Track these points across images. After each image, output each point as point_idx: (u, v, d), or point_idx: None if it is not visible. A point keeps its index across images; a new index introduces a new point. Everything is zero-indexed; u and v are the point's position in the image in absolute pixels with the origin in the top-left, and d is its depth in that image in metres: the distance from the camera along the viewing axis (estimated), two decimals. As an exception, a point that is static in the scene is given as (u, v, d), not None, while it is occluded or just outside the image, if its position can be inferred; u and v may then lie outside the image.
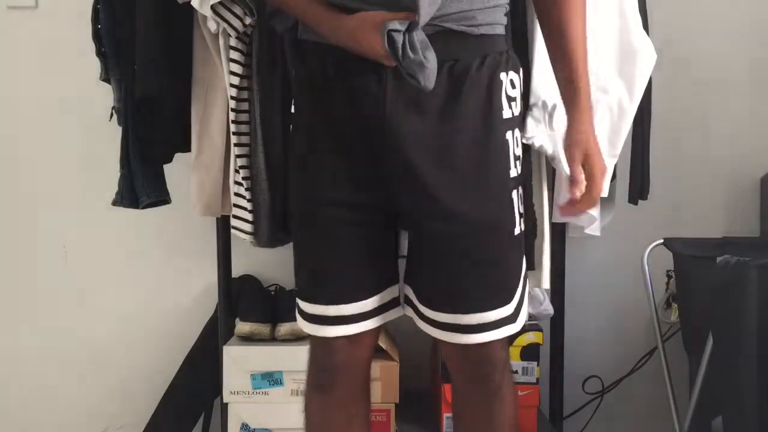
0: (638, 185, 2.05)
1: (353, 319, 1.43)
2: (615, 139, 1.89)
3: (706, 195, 2.40)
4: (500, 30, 1.40)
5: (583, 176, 1.40)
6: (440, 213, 1.35)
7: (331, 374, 1.49)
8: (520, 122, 1.45)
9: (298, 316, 1.49)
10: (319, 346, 1.48)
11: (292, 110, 1.54)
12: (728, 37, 2.36)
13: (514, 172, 1.41)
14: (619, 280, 2.36)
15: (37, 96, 2.39)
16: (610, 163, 1.91)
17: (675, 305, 2.11)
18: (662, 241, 2.05)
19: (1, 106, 2.41)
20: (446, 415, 2.07)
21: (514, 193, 1.41)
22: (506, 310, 1.40)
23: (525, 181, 1.53)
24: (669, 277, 2.12)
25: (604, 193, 1.91)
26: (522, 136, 1.49)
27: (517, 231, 1.41)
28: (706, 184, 2.40)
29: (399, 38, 1.24)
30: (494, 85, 1.36)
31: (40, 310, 2.45)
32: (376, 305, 1.44)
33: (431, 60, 1.26)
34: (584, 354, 2.36)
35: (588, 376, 2.38)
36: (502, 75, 1.38)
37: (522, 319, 1.45)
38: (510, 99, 1.39)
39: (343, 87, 1.36)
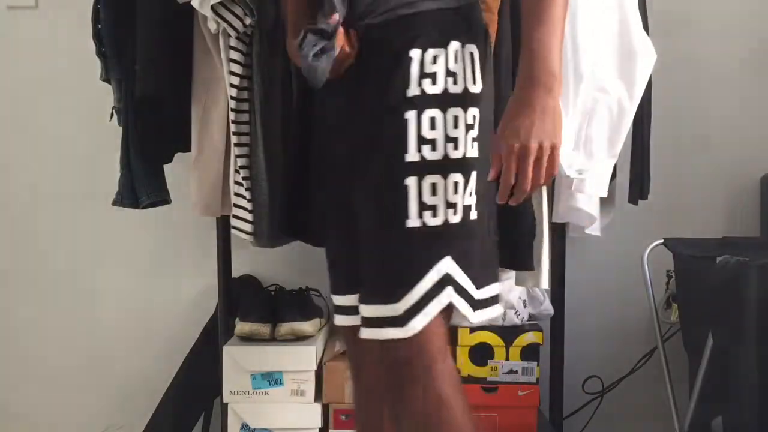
0: (638, 185, 2.05)
1: (349, 310, 1.43)
2: (615, 139, 1.89)
3: (706, 195, 2.40)
4: (426, 6, 1.31)
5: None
6: (334, 197, 1.42)
7: (352, 361, 1.55)
8: (444, 101, 1.29)
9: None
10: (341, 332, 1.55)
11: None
12: (728, 37, 2.36)
13: (413, 157, 1.27)
14: (619, 280, 2.36)
15: (37, 96, 2.39)
16: (609, 164, 1.91)
17: (675, 305, 2.10)
18: (662, 241, 2.05)
19: (1, 106, 2.41)
20: (446, 415, 2.07)
21: (412, 180, 1.26)
22: (387, 310, 1.27)
23: (450, 168, 1.30)
24: (669, 277, 2.12)
25: (603, 193, 1.92)
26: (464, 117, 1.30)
27: (412, 223, 1.26)
28: (706, 184, 2.40)
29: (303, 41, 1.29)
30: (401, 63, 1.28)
31: (40, 310, 2.45)
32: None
33: (322, 62, 1.29)
34: (584, 354, 2.35)
35: (588, 376, 2.38)
36: (413, 52, 1.28)
37: (414, 326, 1.26)
38: (425, 75, 1.27)
39: None
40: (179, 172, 2.03)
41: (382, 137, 1.29)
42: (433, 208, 1.27)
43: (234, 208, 1.92)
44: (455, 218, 1.28)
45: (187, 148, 1.98)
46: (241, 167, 1.87)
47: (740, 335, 1.74)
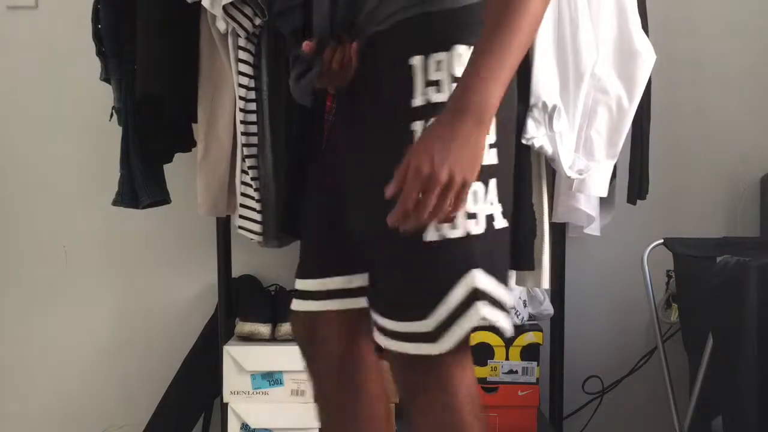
0: (637, 185, 2.05)
1: (316, 295, 1.42)
2: (615, 139, 1.90)
3: (706, 195, 2.40)
4: (426, 8, 1.23)
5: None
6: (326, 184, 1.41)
7: (308, 354, 1.51)
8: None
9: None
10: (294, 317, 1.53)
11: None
12: (728, 37, 2.36)
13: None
14: (619, 280, 2.36)
15: (37, 96, 2.39)
16: (609, 164, 1.91)
17: (675, 305, 2.11)
18: (662, 241, 2.05)
19: (1, 106, 2.41)
20: (446, 415, 2.07)
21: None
22: (418, 326, 1.21)
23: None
24: (669, 277, 2.12)
25: (603, 193, 1.92)
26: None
27: (430, 237, 1.18)
28: (706, 184, 2.40)
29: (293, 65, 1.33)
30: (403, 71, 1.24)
31: (40, 310, 2.45)
32: (341, 286, 1.38)
33: (301, 84, 1.32)
34: (584, 354, 2.35)
35: (588, 376, 2.38)
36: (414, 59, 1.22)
37: (446, 343, 1.20)
38: (429, 83, 1.22)
39: None
40: (179, 172, 2.03)
41: (391, 150, 1.19)
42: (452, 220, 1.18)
43: (241, 209, 1.92)
44: (478, 229, 1.19)
45: (187, 149, 1.98)
46: (250, 167, 1.87)
47: (740, 335, 1.74)
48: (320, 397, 1.53)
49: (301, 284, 1.42)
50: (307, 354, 1.49)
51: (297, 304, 1.43)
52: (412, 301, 1.22)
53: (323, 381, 1.50)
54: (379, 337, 1.26)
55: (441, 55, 1.21)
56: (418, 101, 1.21)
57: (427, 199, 1.10)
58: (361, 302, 1.35)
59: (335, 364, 1.46)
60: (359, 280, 1.36)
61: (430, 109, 1.20)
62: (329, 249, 1.40)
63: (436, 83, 1.20)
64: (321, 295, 1.40)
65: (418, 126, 1.20)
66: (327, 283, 1.39)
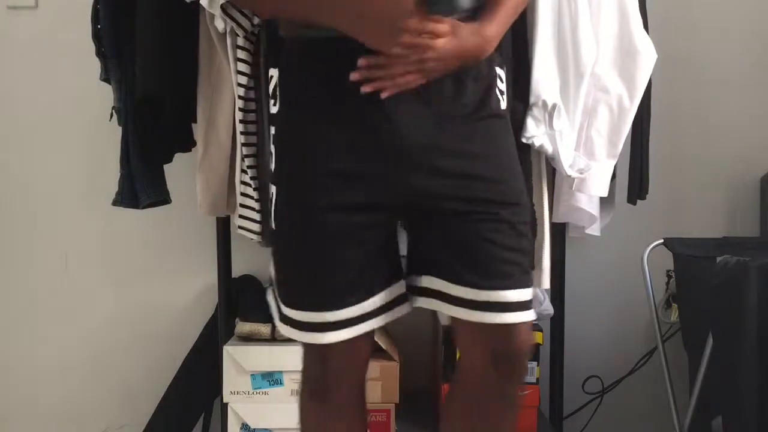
0: (637, 185, 2.05)
1: (352, 322, 1.36)
2: (615, 139, 1.90)
3: (706, 195, 2.40)
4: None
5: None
6: (478, 191, 1.35)
7: (327, 381, 1.44)
8: None
9: (282, 324, 1.42)
10: (313, 353, 1.42)
11: (273, 110, 1.43)
12: (728, 37, 2.36)
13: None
14: (619, 280, 2.36)
15: (37, 96, 2.39)
16: (609, 164, 1.91)
17: (675, 305, 2.11)
18: (662, 241, 2.05)
19: (1, 106, 2.41)
20: (446, 415, 2.07)
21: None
22: (530, 293, 1.37)
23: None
24: (669, 277, 2.13)
25: (604, 193, 1.92)
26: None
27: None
28: (706, 184, 2.40)
29: None
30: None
31: (40, 310, 2.45)
32: (379, 304, 1.38)
33: None
34: (584, 354, 2.36)
35: (588, 376, 2.38)
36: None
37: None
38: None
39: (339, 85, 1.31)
40: (179, 172, 2.03)
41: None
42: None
43: (240, 208, 1.92)
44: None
45: (187, 148, 1.98)
46: (249, 167, 1.87)
47: (740, 335, 1.74)
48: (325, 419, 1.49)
49: (336, 315, 1.36)
50: (324, 390, 1.45)
51: (331, 337, 1.36)
52: (523, 269, 1.38)
53: (335, 408, 1.47)
54: (485, 314, 1.33)
55: None
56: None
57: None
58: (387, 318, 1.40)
59: (353, 393, 1.48)
60: (399, 287, 1.41)
61: None
62: (361, 269, 1.36)
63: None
64: (360, 319, 1.37)
65: None
66: (366, 306, 1.37)
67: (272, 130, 1.43)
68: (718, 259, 1.80)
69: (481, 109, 1.36)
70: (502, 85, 1.42)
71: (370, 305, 1.38)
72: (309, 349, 1.43)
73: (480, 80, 1.37)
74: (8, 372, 2.47)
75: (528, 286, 1.36)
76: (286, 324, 1.41)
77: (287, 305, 1.40)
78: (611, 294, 2.40)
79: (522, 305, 1.34)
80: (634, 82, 1.87)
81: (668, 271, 2.11)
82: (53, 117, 2.39)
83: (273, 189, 1.41)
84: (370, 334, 1.42)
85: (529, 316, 1.35)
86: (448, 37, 1.27)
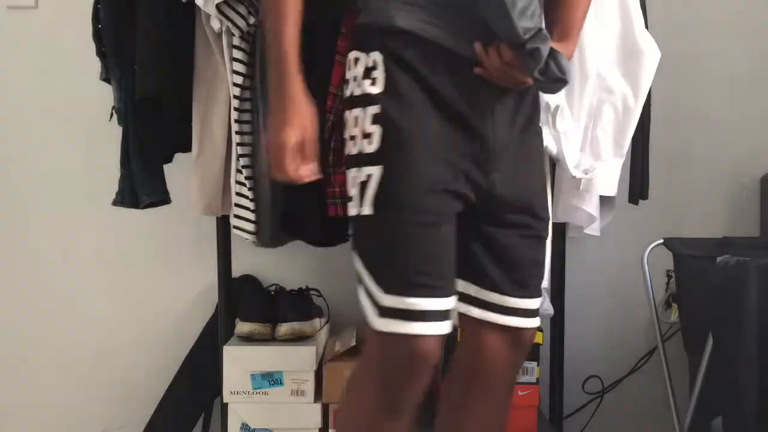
0: (638, 185, 2.05)
1: (442, 316, 1.35)
2: (621, 139, 1.90)
3: (706, 195, 2.40)
4: None
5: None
6: (530, 209, 1.48)
7: (408, 392, 1.38)
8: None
9: (383, 319, 1.33)
10: (400, 358, 1.35)
11: (372, 90, 1.40)
12: (728, 37, 2.36)
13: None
14: (619, 280, 2.36)
15: (37, 96, 2.39)
16: (617, 163, 1.91)
17: (675, 305, 2.11)
18: (662, 241, 2.05)
19: (1, 106, 2.41)
20: (446, 415, 2.07)
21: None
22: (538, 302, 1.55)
23: None
24: (669, 277, 2.12)
25: (612, 192, 1.92)
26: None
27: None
28: (706, 184, 2.40)
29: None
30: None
31: (40, 310, 2.45)
32: (454, 304, 1.41)
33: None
34: (584, 354, 2.36)
35: (588, 376, 2.38)
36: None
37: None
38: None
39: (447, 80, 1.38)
40: (179, 172, 2.03)
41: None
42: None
43: (235, 208, 1.92)
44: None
45: (187, 149, 1.98)
46: (244, 167, 1.87)
47: (740, 335, 1.74)
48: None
49: (434, 303, 1.34)
50: (404, 404, 1.40)
51: (429, 327, 1.33)
52: (539, 280, 1.54)
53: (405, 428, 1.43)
54: (513, 319, 1.48)
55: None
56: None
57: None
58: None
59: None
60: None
61: None
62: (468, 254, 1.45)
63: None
64: (448, 313, 1.37)
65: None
66: (452, 300, 1.40)
67: (368, 110, 1.38)
68: (718, 259, 1.80)
69: (530, 125, 1.48)
70: (542, 103, 1.55)
71: (452, 302, 1.40)
72: (395, 352, 1.35)
73: (532, 98, 1.48)
74: (8, 372, 2.47)
75: (540, 295, 1.55)
76: (391, 317, 1.33)
77: (389, 290, 1.33)
78: (611, 294, 2.40)
79: (537, 312, 1.53)
80: (638, 82, 1.87)
81: (668, 271, 2.11)
82: (53, 117, 2.39)
83: (370, 170, 1.37)
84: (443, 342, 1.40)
85: (537, 321, 1.54)
86: None
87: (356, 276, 1.40)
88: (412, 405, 1.40)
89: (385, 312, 1.33)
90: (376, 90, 1.38)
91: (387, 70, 1.38)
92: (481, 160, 1.40)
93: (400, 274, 1.34)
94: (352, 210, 1.40)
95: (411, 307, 1.32)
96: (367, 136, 1.37)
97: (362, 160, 1.38)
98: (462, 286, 1.47)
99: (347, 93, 1.44)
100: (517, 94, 1.43)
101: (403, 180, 1.35)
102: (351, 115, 1.41)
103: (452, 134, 1.38)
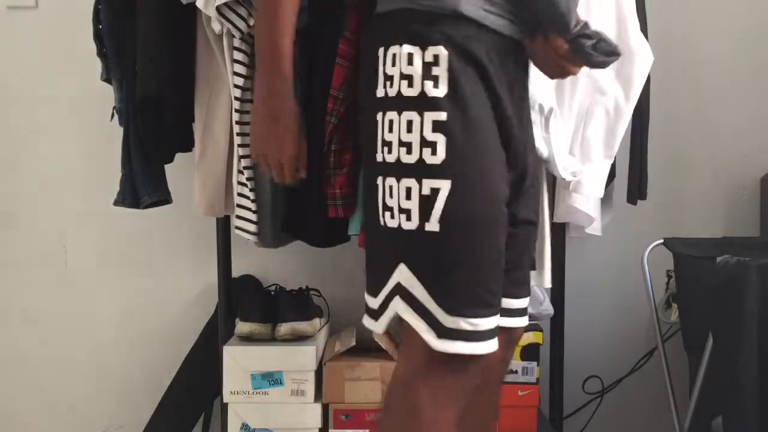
0: (636, 185, 2.06)
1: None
2: (611, 140, 1.90)
3: (706, 195, 2.40)
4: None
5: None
6: (534, 204, 1.49)
7: (474, 400, 1.37)
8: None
9: (447, 341, 1.26)
10: (473, 372, 1.32)
11: (435, 92, 1.27)
12: (728, 38, 2.36)
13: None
14: (619, 280, 2.37)
15: (37, 96, 2.39)
16: (605, 165, 1.91)
17: (675, 305, 2.11)
18: (662, 241, 2.05)
19: (1, 106, 2.41)
20: (446, 415, 2.07)
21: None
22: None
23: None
24: (669, 277, 2.13)
25: (600, 194, 1.92)
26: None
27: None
28: (706, 184, 2.40)
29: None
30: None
31: (40, 310, 2.45)
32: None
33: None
34: (584, 354, 2.36)
35: (588, 376, 2.38)
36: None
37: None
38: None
39: (505, 77, 1.32)
40: (180, 172, 2.03)
41: None
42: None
43: (237, 209, 1.92)
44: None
45: (188, 148, 1.98)
46: (245, 168, 1.87)
47: (740, 335, 1.74)
48: None
49: (493, 322, 1.30)
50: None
51: (488, 346, 1.29)
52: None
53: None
54: (509, 319, 1.48)
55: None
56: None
57: None
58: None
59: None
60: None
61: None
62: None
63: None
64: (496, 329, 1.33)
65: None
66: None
67: (428, 116, 1.25)
68: (718, 259, 1.80)
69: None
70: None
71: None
72: (470, 367, 1.30)
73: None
74: (8, 372, 2.47)
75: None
76: (453, 338, 1.26)
77: (471, 312, 1.26)
78: (611, 294, 2.40)
79: (527, 310, 1.56)
80: (631, 84, 1.87)
81: (668, 271, 2.11)
82: (53, 117, 2.39)
83: (436, 184, 1.25)
84: None
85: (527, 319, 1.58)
86: None
87: (395, 288, 1.28)
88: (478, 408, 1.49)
89: (447, 333, 1.26)
90: (438, 92, 1.25)
91: (451, 69, 1.25)
92: (513, 165, 1.35)
93: (469, 295, 1.27)
94: (409, 224, 1.26)
95: (476, 328, 1.26)
96: (428, 144, 1.24)
97: (423, 171, 1.25)
98: None
99: (384, 92, 1.29)
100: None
101: (477, 197, 1.26)
102: (397, 117, 1.26)
103: (500, 140, 1.31)
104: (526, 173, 1.42)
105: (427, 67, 1.25)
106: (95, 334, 2.45)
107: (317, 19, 1.77)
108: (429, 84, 1.25)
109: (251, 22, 1.79)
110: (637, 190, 2.05)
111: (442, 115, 1.25)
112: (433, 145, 1.24)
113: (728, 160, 2.39)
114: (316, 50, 1.80)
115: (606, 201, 2.03)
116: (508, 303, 1.46)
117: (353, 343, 2.06)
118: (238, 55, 1.82)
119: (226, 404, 2.06)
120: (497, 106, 1.30)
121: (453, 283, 1.26)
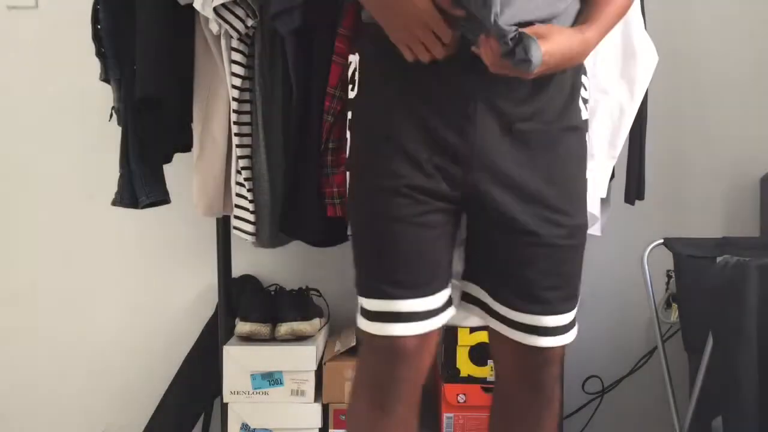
0: (635, 186, 2.05)
1: (423, 315, 1.34)
2: (614, 140, 1.90)
3: (706, 195, 2.40)
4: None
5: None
6: (542, 213, 1.33)
7: (394, 390, 1.38)
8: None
9: (361, 318, 1.37)
10: (382, 355, 1.37)
11: (351, 95, 1.43)
12: (728, 37, 2.36)
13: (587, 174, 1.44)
14: (619, 280, 2.36)
15: (36, 96, 2.39)
16: (609, 165, 1.91)
17: (675, 305, 2.10)
18: (662, 241, 2.05)
19: (1, 106, 2.41)
20: (446, 415, 2.07)
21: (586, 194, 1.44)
22: (571, 316, 1.40)
23: None
24: (669, 277, 2.12)
25: (602, 194, 1.92)
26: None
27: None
28: (706, 184, 2.40)
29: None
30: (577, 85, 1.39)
31: (40, 310, 2.45)
32: (441, 303, 1.37)
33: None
34: (584, 354, 2.35)
35: (588, 376, 2.38)
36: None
37: (576, 328, 1.42)
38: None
39: (427, 76, 1.30)
40: (179, 172, 2.03)
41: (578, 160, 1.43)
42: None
43: (235, 209, 1.92)
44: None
45: (186, 149, 1.98)
46: (243, 168, 1.87)
47: (740, 335, 1.74)
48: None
49: (413, 305, 1.34)
50: (389, 400, 1.40)
51: (406, 328, 1.34)
52: (575, 291, 1.40)
53: (397, 422, 1.42)
54: (530, 338, 1.38)
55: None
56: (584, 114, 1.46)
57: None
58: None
59: (413, 407, 1.44)
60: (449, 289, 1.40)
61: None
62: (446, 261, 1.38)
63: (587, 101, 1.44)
64: (425, 314, 1.35)
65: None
66: (432, 301, 1.36)
67: (348, 115, 1.44)
68: (718, 259, 1.80)
69: (560, 120, 1.35)
70: (585, 94, 1.42)
71: (437, 301, 1.36)
72: (377, 350, 1.37)
73: (563, 88, 1.36)
74: (8, 372, 2.47)
75: (566, 311, 1.38)
76: (364, 316, 1.37)
77: (362, 294, 1.37)
78: (611, 294, 2.40)
79: (557, 330, 1.38)
80: (635, 84, 1.87)
81: (668, 271, 2.11)
82: (53, 117, 2.39)
83: (348, 178, 1.41)
84: (434, 341, 1.39)
85: (562, 340, 1.39)
86: (542, 40, 1.22)
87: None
88: (405, 403, 1.40)
89: (366, 313, 1.36)
90: (352, 94, 1.41)
91: (360, 72, 1.39)
92: (465, 157, 1.30)
93: (369, 278, 1.36)
94: None
95: (385, 309, 1.33)
96: (347, 141, 1.43)
97: (347, 166, 1.43)
98: (471, 289, 1.43)
99: (350, 94, 1.45)
100: (530, 84, 1.30)
101: (363, 184, 1.36)
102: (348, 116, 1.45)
103: (423, 131, 1.31)
104: (479, 164, 1.32)
105: (352, 72, 1.41)
106: (95, 335, 2.45)
107: (313, 18, 1.77)
108: (350, 87, 1.42)
109: (249, 23, 1.80)
110: (635, 191, 2.05)
111: (351, 114, 1.42)
112: (347, 142, 1.43)
113: (728, 160, 2.39)
114: (312, 49, 1.80)
115: (604, 201, 2.03)
116: (511, 314, 1.38)
117: (353, 343, 2.06)
118: (236, 56, 1.82)
119: (226, 404, 2.06)
120: (412, 100, 1.31)
121: (359, 266, 1.38)
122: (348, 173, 1.42)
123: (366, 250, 1.38)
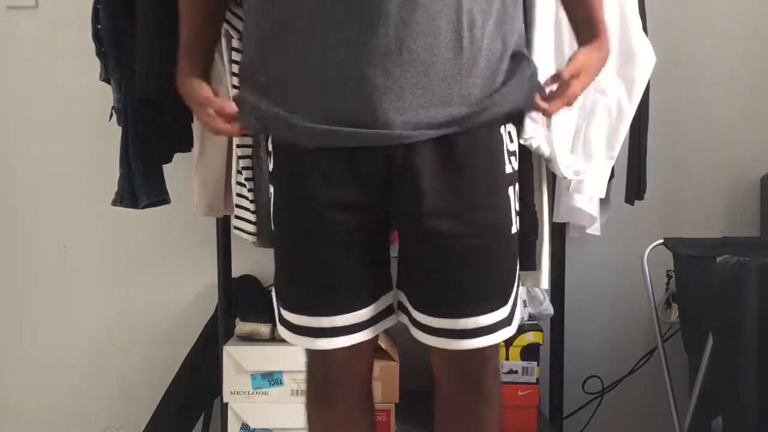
0: (635, 185, 2.05)
1: (348, 330, 1.34)
2: (613, 140, 1.89)
3: (706, 195, 2.40)
4: None
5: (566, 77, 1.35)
6: (443, 212, 1.28)
7: (331, 388, 1.43)
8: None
9: (281, 327, 1.41)
10: (317, 357, 1.42)
11: None
12: (728, 37, 2.36)
13: (508, 168, 1.34)
14: (619, 280, 2.36)
15: (36, 96, 2.39)
16: (607, 165, 1.91)
17: (675, 305, 2.11)
18: (662, 241, 2.05)
19: (1, 106, 2.41)
20: (446, 415, 2.07)
21: (510, 189, 1.34)
22: (502, 313, 1.34)
23: (522, 178, 1.46)
24: (669, 277, 2.12)
25: (601, 194, 1.92)
26: (518, 132, 1.42)
27: (513, 230, 1.35)
28: (706, 184, 2.40)
29: None
30: None
31: (40, 310, 2.45)
32: (371, 315, 1.36)
33: None
34: (584, 354, 2.36)
35: (588, 376, 2.38)
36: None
37: (517, 322, 1.38)
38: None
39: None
40: (179, 172, 2.03)
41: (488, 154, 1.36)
42: (518, 215, 1.39)
43: (236, 209, 1.92)
44: (518, 224, 1.40)
45: (186, 149, 1.98)
46: (244, 168, 1.87)
47: (740, 335, 1.74)
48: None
49: (337, 320, 1.34)
50: (329, 395, 1.45)
51: (322, 342, 1.35)
52: (498, 290, 1.34)
53: (341, 413, 1.46)
54: (450, 342, 1.33)
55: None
56: None
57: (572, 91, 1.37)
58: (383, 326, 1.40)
59: (358, 398, 1.47)
60: (389, 299, 1.40)
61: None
62: (364, 278, 1.35)
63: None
64: (361, 326, 1.36)
65: (503, 130, 1.37)
66: (361, 314, 1.36)
67: None
68: (718, 259, 1.80)
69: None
70: (512, 146, 1.40)
71: (365, 314, 1.35)
72: (312, 353, 1.42)
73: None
74: (8, 371, 2.47)
75: (487, 312, 1.32)
76: (284, 326, 1.41)
77: (284, 307, 1.40)
78: (611, 294, 2.40)
79: (482, 331, 1.32)
80: (633, 84, 1.87)
81: (668, 271, 2.11)
82: (53, 117, 2.39)
83: (271, 189, 1.41)
84: (371, 341, 1.41)
85: (489, 340, 1.33)
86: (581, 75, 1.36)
87: None
88: (345, 399, 1.44)
89: (288, 325, 1.39)
90: None
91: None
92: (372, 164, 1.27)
93: (290, 291, 1.40)
94: None
95: (290, 320, 1.38)
96: (269, 154, 1.44)
97: (269, 176, 1.46)
98: (400, 296, 1.40)
99: None
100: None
101: (284, 201, 1.38)
102: None
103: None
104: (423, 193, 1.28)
105: None
106: (95, 335, 2.45)
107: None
108: None
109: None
110: (635, 191, 2.05)
111: None
112: (270, 154, 1.43)
113: (728, 160, 2.39)
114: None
115: (604, 201, 2.03)
116: (428, 320, 1.34)
117: (353, 343, 2.06)
118: (236, 56, 1.82)
119: (226, 404, 2.06)
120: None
121: (276, 278, 1.45)
122: (272, 187, 1.41)
123: (286, 267, 1.40)
